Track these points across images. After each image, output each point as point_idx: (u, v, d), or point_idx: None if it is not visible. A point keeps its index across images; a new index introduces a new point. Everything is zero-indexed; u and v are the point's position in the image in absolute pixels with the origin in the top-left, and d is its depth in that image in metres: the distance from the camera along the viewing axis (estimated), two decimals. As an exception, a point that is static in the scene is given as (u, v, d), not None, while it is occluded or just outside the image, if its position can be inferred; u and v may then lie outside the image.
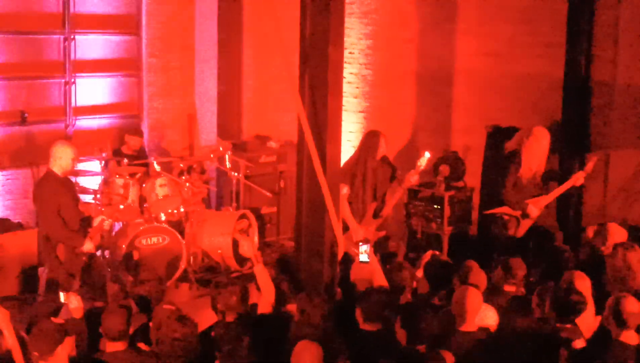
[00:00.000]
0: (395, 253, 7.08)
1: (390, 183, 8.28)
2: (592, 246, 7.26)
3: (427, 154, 7.92)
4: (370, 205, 8.08)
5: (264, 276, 6.12)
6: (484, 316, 5.78)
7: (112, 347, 5.24)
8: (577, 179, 8.24)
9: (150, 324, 5.45)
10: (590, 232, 7.57)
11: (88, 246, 7.60)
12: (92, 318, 5.68)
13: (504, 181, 8.21)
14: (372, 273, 6.31)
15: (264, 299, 6.03)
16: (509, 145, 8.45)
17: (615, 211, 8.97)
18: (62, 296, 6.02)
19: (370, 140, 8.21)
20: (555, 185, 8.39)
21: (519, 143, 8.31)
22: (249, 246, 6.79)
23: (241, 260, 9.00)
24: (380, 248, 8.09)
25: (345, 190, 7.72)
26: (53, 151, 7.59)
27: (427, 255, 6.88)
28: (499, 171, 8.45)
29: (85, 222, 7.87)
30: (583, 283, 6.03)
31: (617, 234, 7.20)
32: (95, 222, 7.75)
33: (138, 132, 9.76)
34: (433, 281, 6.61)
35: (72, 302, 5.81)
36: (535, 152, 8.19)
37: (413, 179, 8.01)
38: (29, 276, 8.49)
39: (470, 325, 5.63)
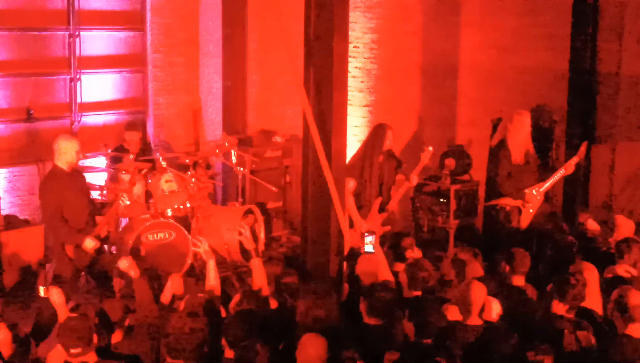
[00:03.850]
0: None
1: (395, 176, 8.30)
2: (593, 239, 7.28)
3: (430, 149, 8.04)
4: (376, 200, 8.08)
5: (259, 270, 6.14)
6: (490, 309, 5.78)
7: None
8: (570, 165, 8.25)
9: None
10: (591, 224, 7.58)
11: (89, 243, 7.54)
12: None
13: (498, 173, 8.24)
14: (377, 267, 6.31)
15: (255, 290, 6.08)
16: (495, 137, 8.50)
17: (622, 203, 8.95)
18: (41, 290, 5.93)
19: (377, 132, 8.28)
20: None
21: (503, 132, 8.35)
22: (250, 238, 6.87)
23: (248, 255, 9.00)
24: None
25: (351, 184, 7.72)
26: (57, 146, 7.56)
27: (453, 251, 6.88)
28: (491, 164, 8.48)
29: (97, 212, 7.86)
30: (590, 274, 6.03)
31: (625, 227, 7.21)
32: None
33: (135, 127, 9.67)
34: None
35: (53, 296, 5.76)
36: (520, 136, 8.21)
37: (415, 180, 8.15)
38: (36, 272, 8.50)
39: (475, 318, 5.63)
